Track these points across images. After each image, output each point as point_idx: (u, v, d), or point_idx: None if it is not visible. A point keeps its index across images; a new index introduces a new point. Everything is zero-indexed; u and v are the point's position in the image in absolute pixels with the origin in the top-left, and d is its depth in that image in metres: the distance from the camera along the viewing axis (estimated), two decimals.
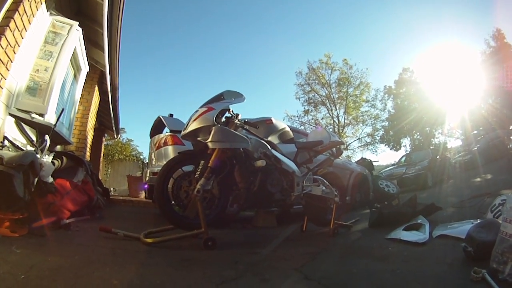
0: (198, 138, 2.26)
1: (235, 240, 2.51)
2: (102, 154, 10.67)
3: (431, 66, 23.57)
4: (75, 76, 4.25)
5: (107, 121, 8.49)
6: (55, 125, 2.67)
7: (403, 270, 1.58)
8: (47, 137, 2.16)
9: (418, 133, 23.33)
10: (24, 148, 2.00)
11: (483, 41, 20.21)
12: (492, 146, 10.71)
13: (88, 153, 5.51)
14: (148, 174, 3.92)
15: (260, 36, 39.86)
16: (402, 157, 11.96)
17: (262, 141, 2.49)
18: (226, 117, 2.37)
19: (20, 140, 2.07)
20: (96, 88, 5.58)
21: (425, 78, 22.24)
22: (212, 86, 43.57)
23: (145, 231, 2.24)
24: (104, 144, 11.47)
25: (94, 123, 6.15)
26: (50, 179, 2.06)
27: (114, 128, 9.11)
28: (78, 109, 4.79)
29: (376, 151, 22.49)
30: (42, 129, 2.61)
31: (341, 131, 22.44)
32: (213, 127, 2.16)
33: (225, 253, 1.98)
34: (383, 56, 40.63)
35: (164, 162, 3.45)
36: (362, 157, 8.01)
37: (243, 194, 2.41)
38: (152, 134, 4.50)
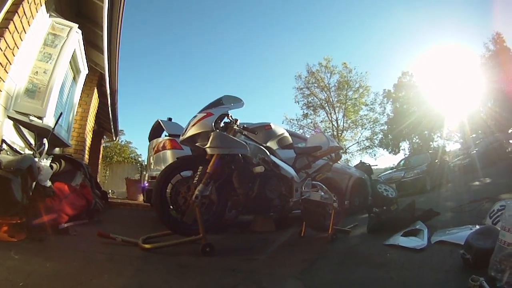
0: (197, 144, 2.26)
1: (233, 246, 2.51)
2: (100, 156, 10.64)
3: (430, 70, 23.60)
4: (74, 78, 4.24)
5: (106, 123, 8.48)
6: (53, 128, 2.66)
7: (401, 277, 1.58)
8: (45, 140, 2.15)
9: (417, 137, 23.36)
10: (22, 152, 1.99)
11: (483, 44, 20.23)
12: (491, 149, 10.73)
13: (86, 156, 5.50)
14: (146, 178, 3.92)
15: (260, 38, 40.11)
16: (401, 160, 11.97)
17: (261, 146, 2.48)
18: (225, 123, 2.37)
19: (18, 144, 2.06)
20: (95, 90, 5.58)
21: (424, 82, 22.33)
22: (211, 87, 43.43)
23: (143, 236, 2.24)
24: (103, 146, 11.45)
25: (93, 125, 6.14)
26: (49, 183, 2.06)
27: (113, 130, 9.12)
28: (77, 111, 4.77)
29: (375, 155, 22.56)
30: (40, 132, 2.60)
31: (340, 134, 22.48)
32: (212, 133, 2.16)
33: (223, 260, 1.98)
34: (383, 60, 40.65)
35: (163, 167, 3.46)
36: (360, 161, 8.00)
37: (242, 199, 2.40)
38: (150, 138, 4.50)
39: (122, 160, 15.49)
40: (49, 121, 2.79)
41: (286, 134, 2.83)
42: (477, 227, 2.17)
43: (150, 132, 4.55)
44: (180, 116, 47.36)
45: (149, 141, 4.53)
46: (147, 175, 3.89)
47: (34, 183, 1.89)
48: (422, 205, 5.35)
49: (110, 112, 7.26)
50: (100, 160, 10.51)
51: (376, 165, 9.10)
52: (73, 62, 3.90)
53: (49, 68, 2.84)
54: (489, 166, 9.49)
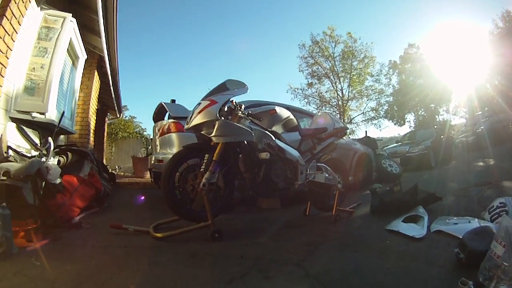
0: (202, 132, 2.30)
1: (240, 228, 2.60)
2: (105, 134, 10.75)
3: (437, 43, 23.11)
4: (73, 64, 4.18)
5: (109, 102, 8.49)
6: (57, 126, 2.68)
7: (396, 268, 1.64)
8: (50, 139, 2.18)
9: (422, 110, 22.99)
10: (29, 154, 2.02)
11: (491, 20, 19.54)
12: (497, 129, 10.54)
13: (92, 138, 5.57)
14: (153, 161, 3.95)
15: (263, 5, 38.13)
16: (407, 134, 11.90)
17: (266, 131, 2.50)
18: (229, 108, 2.37)
19: (23, 146, 2.10)
20: (96, 73, 5.52)
21: (431, 55, 21.69)
22: (214, 58, 42.51)
23: (153, 222, 2.36)
24: (107, 124, 11.50)
25: (96, 107, 6.14)
26: (58, 180, 2.12)
27: (116, 108, 9.14)
28: (79, 96, 4.76)
29: (380, 126, 22.38)
30: (44, 129, 2.62)
31: (345, 104, 22.19)
32: (217, 122, 2.18)
33: (231, 245, 2.06)
34: (388, 31, 39.07)
35: (168, 150, 3.53)
36: (366, 135, 7.92)
37: (248, 183, 2.47)
38: (155, 119, 4.48)
39: (127, 136, 15.59)
40: (52, 115, 2.80)
41: (291, 117, 2.82)
42: (476, 221, 2.22)
43: (154, 114, 4.53)
44: (184, 89, 46.84)
45: (154, 122, 4.54)
46: (153, 157, 3.91)
47: (44, 182, 1.95)
48: (426, 183, 5.46)
49: (113, 91, 7.24)
50: (105, 139, 10.64)
51: (381, 139, 9.02)
52: (71, 50, 3.82)
53: (46, 63, 2.80)
54: (494, 146, 9.37)
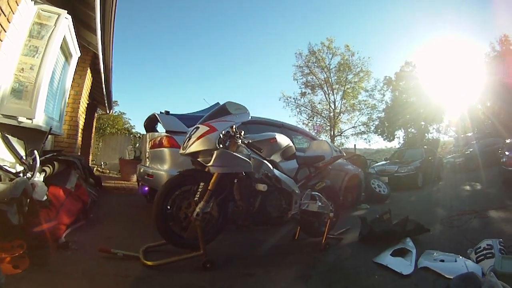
0: (199, 159, 2.22)
1: (231, 254, 2.53)
2: (93, 130, 10.48)
3: (433, 63, 23.45)
4: (66, 62, 4.02)
5: (100, 97, 8.29)
6: (44, 141, 2.54)
7: None
8: (36, 152, 2.05)
9: (413, 127, 23.39)
10: (13, 170, 1.90)
11: (489, 43, 20.16)
12: (486, 152, 10.81)
13: (79, 139, 5.38)
14: (142, 170, 3.83)
15: (262, 13, 38.30)
16: (395, 152, 12.09)
17: (265, 161, 2.45)
18: (228, 134, 2.29)
19: (8, 160, 1.95)
20: (89, 70, 5.34)
21: (426, 74, 22.09)
22: (210, 56, 42.28)
23: (143, 242, 2.31)
24: (96, 118, 11.22)
25: (86, 106, 5.95)
26: (44, 197, 2.01)
27: (106, 104, 8.95)
28: (69, 94, 4.59)
29: (369, 141, 22.63)
30: (30, 137, 2.47)
31: (336, 117, 22.37)
32: (215, 151, 2.11)
33: (223, 277, 2.03)
34: (386, 48, 39.85)
35: (159, 166, 3.41)
36: (356, 153, 8.03)
37: (242, 212, 2.40)
38: (146, 127, 4.36)
39: (115, 132, 15.25)
40: (39, 120, 2.66)
41: (291, 144, 2.79)
42: (462, 260, 2.26)
43: (145, 122, 4.40)
44: (175, 87, 46.39)
45: (145, 130, 4.41)
46: (143, 169, 3.78)
47: (29, 199, 1.84)
48: (413, 206, 5.55)
49: (104, 88, 7.04)
50: (93, 134, 10.37)
51: (370, 160, 9.09)
52: (64, 46, 3.66)
53: (36, 63, 2.64)
54: (482, 169, 9.61)
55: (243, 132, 2.35)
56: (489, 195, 6.06)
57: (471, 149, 11.21)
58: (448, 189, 7.86)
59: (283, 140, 2.71)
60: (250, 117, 2.49)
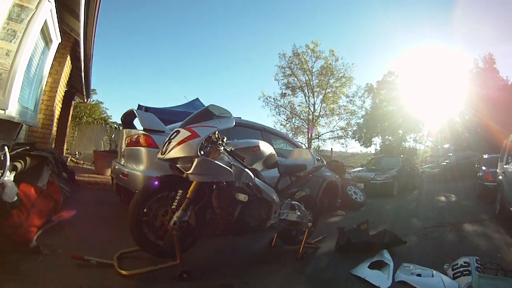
0: (177, 165, 2.13)
1: (208, 262, 2.48)
2: (70, 118, 9.98)
3: (416, 74, 24.03)
4: (45, 47, 3.76)
5: (78, 85, 7.94)
6: (15, 139, 2.33)
7: None
8: (6, 149, 1.88)
9: (390, 135, 24.00)
10: None
11: (472, 60, 20.84)
12: (461, 164, 11.27)
13: (54, 129, 5.09)
14: (116, 168, 3.65)
15: (248, 13, 38.06)
16: (372, 159, 12.44)
17: (246, 169, 2.41)
18: (210, 140, 2.22)
19: None
20: (68, 57, 5.06)
21: (408, 85, 22.74)
22: (193, 49, 41.46)
23: (117, 246, 2.23)
24: (73, 106, 10.69)
25: (63, 94, 5.63)
26: (15, 198, 1.85)
27: (84, 92, 8.57)
28: (47, 81, 4.31)
29: (346, 146, 23.03)
30: (1, 130, 2.27)
31: (315, 120, 22.63)
32: (196, 159, 2.04)
33: (200, 286, 1.99)
34: (370, 56, 40.96)
35: (135, 166, 3.26)
36: (334, 159, 8.16)
37: (220, 221, 2.36)
38: (123, 122, 4.14)
39: (91, 121, 14.64)
40: (12, 110, 2.46)
41: (273, 153, 2.75)
42: (439, 276, 2.33)
43: (122, 117, 4.17)
44: (157, 83, 45.18)
45: (122, 125, 4.19)
46: (117, 166, 3.60)
47: None
48: (388, 214, 5.71)
49: (83, 76, 6.71)
50: (69, 123, 9.89)
51: (350, 172, 9.28)
52: (45, 31, 3.42)
53: (12, 49, 2.44)
54: (456, 180, 10.03)
55: (225, 139, 2.29)
56: (465, 208, 6.24)
57: (447, 161, 11.68)
58: (423, 199, 8.15)
59: (266, 148, 2.67)
60: (234, 123, 2.41)
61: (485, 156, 8.19)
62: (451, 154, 12.57)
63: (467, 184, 9.37)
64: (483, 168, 7.23)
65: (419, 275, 2.38)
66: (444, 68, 23.21)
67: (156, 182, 2.16)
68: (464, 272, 2.28)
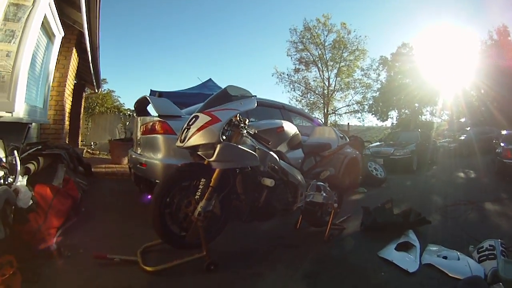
0: (199, 152, 2.02)
1: (234, 250, 2.44)
2: (82, 110, 10.10)
3: (430, 46, 22.95)
4: (49, 41, 3.67)
5: (87, 77, 7.94)
6: (23, 140, 2.29)
7: None
8: (16, 153, 1.84)
9: (406, 108, 23.31)
10: None
11: (487, 31, 19.97)
12: (480, 140, 10.87)
13: (67, 123, 5.12)
14: (133, 158, 3.60)
15: None
16: (390, 134, 12.10)
17: (271, 152, 2.29)
18: (231, 123, 2.09)
19: None
20: (74, 50, 4.97)
21: (422, 57, 21.74)
22: (201, 34, 40.61)
23: (140, 240, 2.20)
24: (85, 97, 10.79)
25: (73, 87, 5.61)
26: (30, 202, 1.83)
27: (94, 83, 8.61)
28: (54, 77, 4.27)
29: (363, 120, 22.67)
30: (9, 132, 2.22)
31: (330, 94, 22.18)
32: (218, 145, 1.92)
33: (228, 278, 1.94)
34: (384, 27, 38.91)
35: (152, 154, 3.16)
36: (352, 134, 7.93)
37: (245, 207, 2.23)
38: (137, 109, 4.05)
39: (104, 111, 14.78)
40: (20, 112, 2.41)
41: (297, 132, 2.64)
42: (465, 259, 2.25)
43: (135, 105, 4.08)
44: (167, 66, 44.89)
45: (136, 113, 4.10)
46: (134, 155, 3.55)
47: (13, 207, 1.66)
48: (410, 191, 5.56)
49: (92, 67, 6.69)
50: (82, 115, 10.01)
51: (369, 142, 9.03)
52: (46, 27, 3.32)
53: (12, 50, 2.35)
54: (474, 156, 9.65)
55: (247, 121, 2.15)
56: (484, 186, 6.08)
57: (465, 135, 11.29)
58: (443, 175, 7.91)
59: (290, 128, 2.54)
60: (256, 104, 2.25)
61: (504, 132, 7.80)
62: (468, 129, 12.09)
63: (485, 160, 9.03)
64: (502, 144, 6.93)
65: (445, 257, 2.31)
66: (458, 41, 21.97)
67: (177, 172, 2.08)
68: (490, 256, 2.19)
